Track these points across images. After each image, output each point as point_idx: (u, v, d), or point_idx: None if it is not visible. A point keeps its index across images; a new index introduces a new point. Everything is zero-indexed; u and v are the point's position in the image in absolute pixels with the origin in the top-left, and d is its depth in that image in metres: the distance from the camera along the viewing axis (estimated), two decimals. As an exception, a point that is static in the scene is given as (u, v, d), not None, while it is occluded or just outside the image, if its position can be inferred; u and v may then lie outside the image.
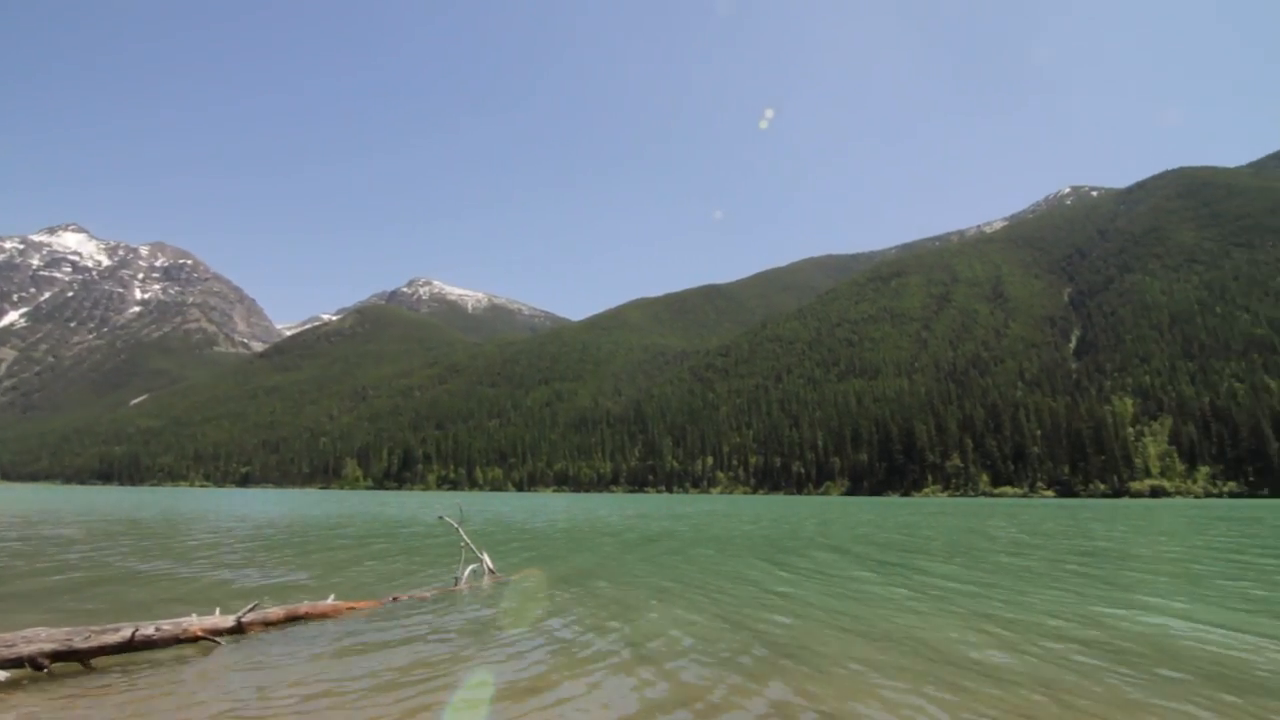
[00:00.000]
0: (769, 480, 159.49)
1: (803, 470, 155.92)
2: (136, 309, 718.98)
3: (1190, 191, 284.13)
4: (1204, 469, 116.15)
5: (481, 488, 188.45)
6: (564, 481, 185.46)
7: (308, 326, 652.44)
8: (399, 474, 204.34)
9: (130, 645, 6.23)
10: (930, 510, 50.09)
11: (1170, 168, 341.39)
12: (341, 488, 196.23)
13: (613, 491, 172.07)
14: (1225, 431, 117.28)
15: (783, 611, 8.55)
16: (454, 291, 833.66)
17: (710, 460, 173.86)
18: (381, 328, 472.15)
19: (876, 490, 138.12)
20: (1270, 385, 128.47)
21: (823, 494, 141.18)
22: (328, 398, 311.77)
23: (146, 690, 5.28)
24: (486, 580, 11.46)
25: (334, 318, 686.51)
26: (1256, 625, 7.91)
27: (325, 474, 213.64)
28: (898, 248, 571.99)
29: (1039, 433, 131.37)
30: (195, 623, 6.83)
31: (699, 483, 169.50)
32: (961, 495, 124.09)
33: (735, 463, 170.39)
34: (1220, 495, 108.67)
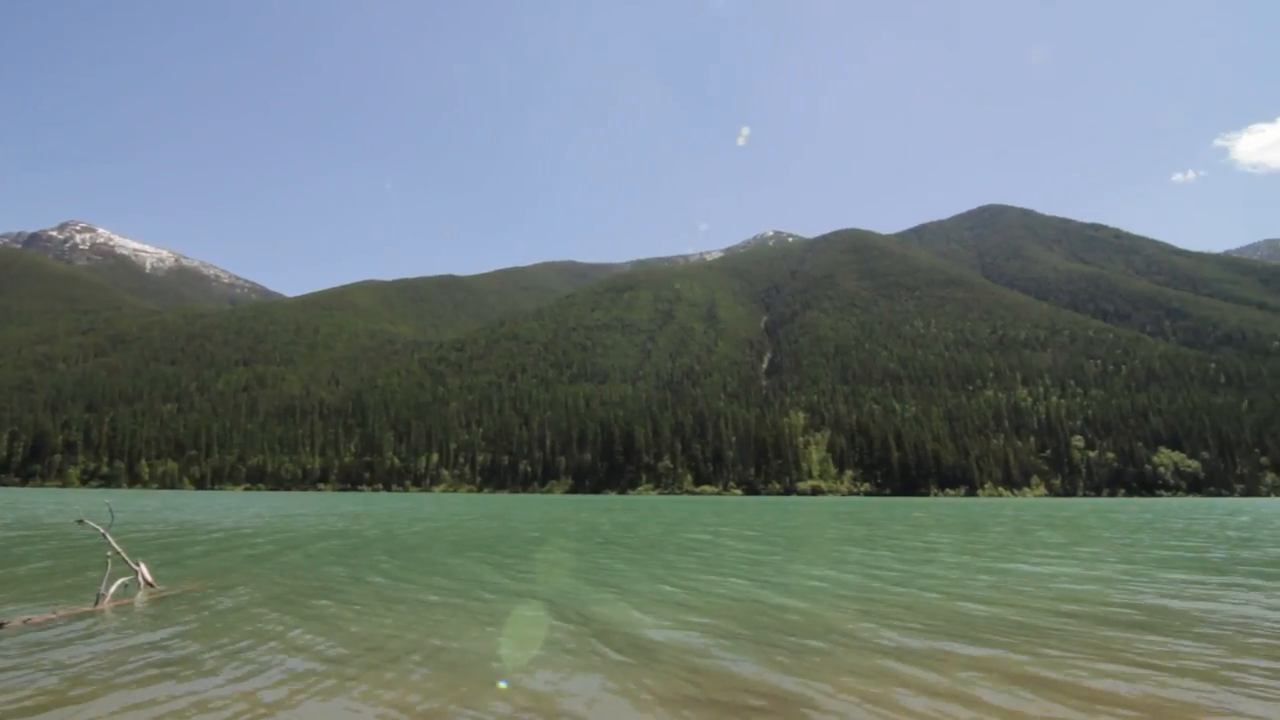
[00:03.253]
0: (496, 478, 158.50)
1: (529, 469, 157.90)
2: None
3: (855, 249, 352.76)
4: (849, 472, 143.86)
5: (147, 485, 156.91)
6: (261, 478, 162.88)
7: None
8: (24, 466, 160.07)
9: None
10: (620, 507, 53.08)
11: (844, 227, 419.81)
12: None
13: (320, 489, 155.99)
14: (865, 443, 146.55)
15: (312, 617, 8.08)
16: (126, 244, 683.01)
17: (436, 457, 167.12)
18: (12, 278, 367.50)
19: (597, 489, 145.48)
20: (896, 408, 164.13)
21: (546, 492, 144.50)
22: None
23: None
24: (141, 595, 9.32)
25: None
26: (686, 602, 9.40)
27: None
28: (632, 263, 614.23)
29: (734, 439, 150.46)
30: None
31: (421, 480, 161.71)
32: (669, 493, 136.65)
33: (462, 460, 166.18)
34: (859, 494, 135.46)
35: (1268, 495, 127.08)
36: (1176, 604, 9.22)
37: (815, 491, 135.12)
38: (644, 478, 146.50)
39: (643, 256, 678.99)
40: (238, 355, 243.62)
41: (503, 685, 5.45)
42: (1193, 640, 6.96)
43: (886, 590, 10.53)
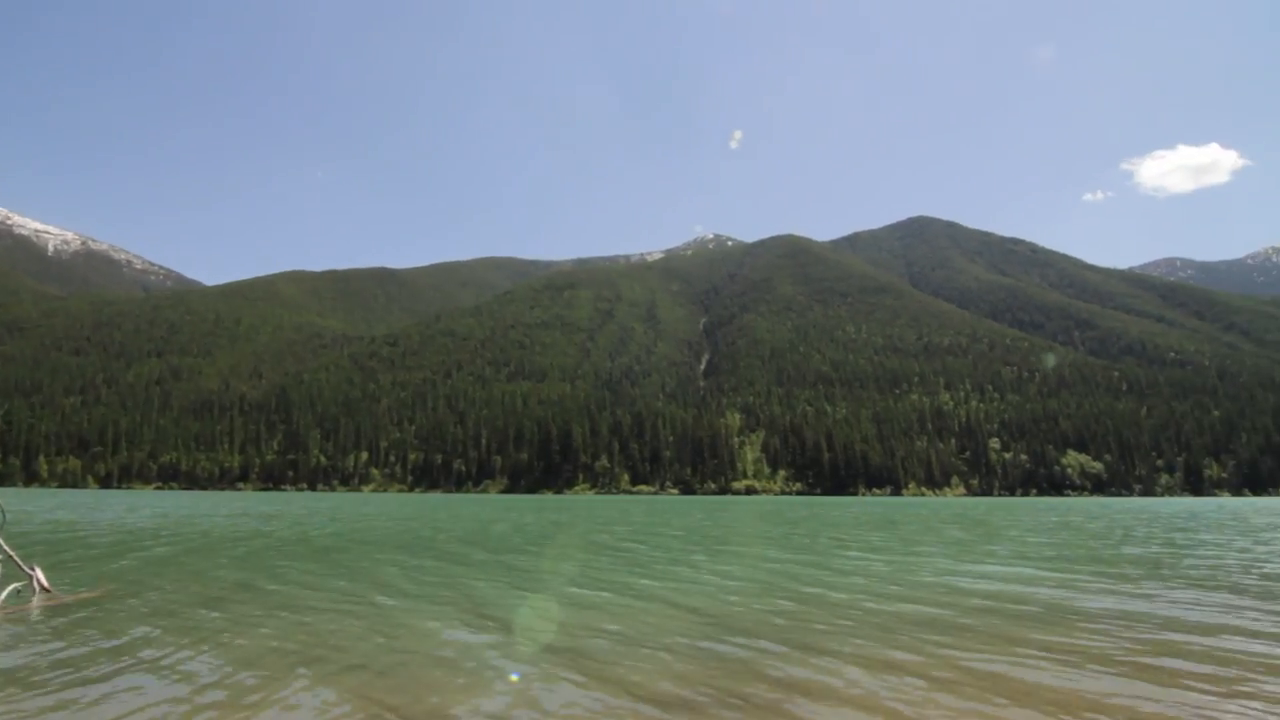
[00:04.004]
0: (428, 478, 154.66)
1: (464, 468, 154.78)
2: None
3: (792, 254, 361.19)
4: (783, 472, 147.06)
5: (46, 483, 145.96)
6: (174, 477, 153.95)
7: None
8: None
9: None
10: (550, 507, 52.39)
11: (782, 233, 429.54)
12: None
13: (240, 489, 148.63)
14: (798, 443, 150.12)
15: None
16: (27, 224, 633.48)
17: (365, 456, 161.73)
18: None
19: (533, 488, 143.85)
20: (828, 410, 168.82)
21: (481, 492, 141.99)
22: None
23: None
24: (36, 602, 8.54)
25: None
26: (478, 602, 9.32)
27: None
28: (573, 261, 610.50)
29: (671, 439, 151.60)
30: None
31: (350, 480, 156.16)
32: (606, 493, 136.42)
33: (393, 459, 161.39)
34: (791, 493, 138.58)
35: (1162, 495, 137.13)
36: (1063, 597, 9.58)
37: (749, 491, 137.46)
38: (581, 477, 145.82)
39: (584, 255, 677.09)
40: (150, 346, 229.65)
41: (514, 678, 5.34)
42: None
43: (777, 586, 10.62)
